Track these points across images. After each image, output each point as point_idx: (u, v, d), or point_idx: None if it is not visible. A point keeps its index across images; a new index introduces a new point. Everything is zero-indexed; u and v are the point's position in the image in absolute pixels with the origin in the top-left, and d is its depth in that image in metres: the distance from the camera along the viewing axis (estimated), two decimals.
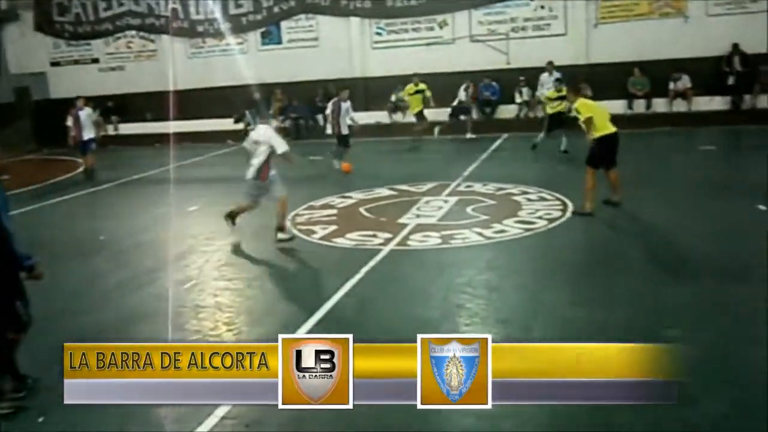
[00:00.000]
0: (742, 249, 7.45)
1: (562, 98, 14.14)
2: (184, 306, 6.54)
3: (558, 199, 10.10)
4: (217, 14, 21.59)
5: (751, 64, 18.19)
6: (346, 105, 13.33)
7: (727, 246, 7.62)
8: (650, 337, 5.28)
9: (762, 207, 8.96)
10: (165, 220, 10.50)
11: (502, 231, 8.62)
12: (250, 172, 8.43)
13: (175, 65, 22.44)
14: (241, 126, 9.68)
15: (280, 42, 22.34)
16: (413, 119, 18.94)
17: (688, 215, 9.09)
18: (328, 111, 12.92)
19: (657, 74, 18.81)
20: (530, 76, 19.31)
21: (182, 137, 19.67)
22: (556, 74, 16.70)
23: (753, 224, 8.45)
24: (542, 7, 20.01)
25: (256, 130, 8.81)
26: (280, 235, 8.50)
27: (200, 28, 22.28)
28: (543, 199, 10.24)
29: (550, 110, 14.95)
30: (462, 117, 18.93)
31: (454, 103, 19.04)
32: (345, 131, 13.22)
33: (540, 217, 9.16)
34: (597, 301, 6.20)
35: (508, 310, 6.15)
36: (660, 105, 19.13)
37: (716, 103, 18.82)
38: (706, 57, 18.58)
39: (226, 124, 21.50)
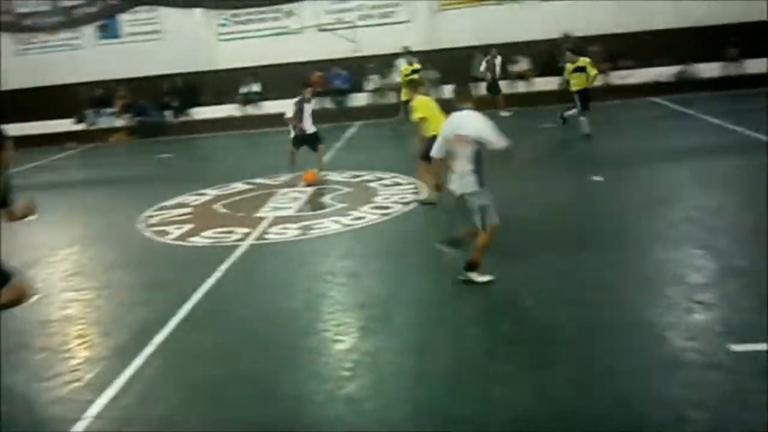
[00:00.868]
0: (584, 218, 7.97)
1: (580, 69, 13.23)
2: (28, 322, 6.07)
3: (412, 183, 10.32)
4: (46, 7, 20.14)
5: (580, 47, 19.41)
6: (310, 105, 11.84)
7: (571, 217, 8.11)
8: (507, 310, 5.65)
9: (596, 178, 9.65)
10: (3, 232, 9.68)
11: (360, 218, 8.71)
12: None
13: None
14: (83, 126, 9.08)
15: (117, 36, 21.27)
16: (264, 112, 18.64)
17: (534, 190, 9.57)
18: (290, 114, 11.52)
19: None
20: (379, 63, 19.63)
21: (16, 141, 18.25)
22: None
23: (590, 194, 9.10)
24: None
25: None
26: None
27: (27, 22, 20.67)
28: (398, 183, 10.43)
29: (575, 87, 13.40)
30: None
31: None
32: (312, 129, 11.72)
33: (395, 202, 9.34)
34: (451, 279, 6.39)
35: (369, 295, 6.21)
36: (503, 87, 20.00)
37: (553, 83, 19.94)
38: (541, 39, 19.62)
39: (65, 125, 20.52)
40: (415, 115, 8.97)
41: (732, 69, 18.94)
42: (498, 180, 9.73)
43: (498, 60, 18.51)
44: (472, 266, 6.04)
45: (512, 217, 8.38)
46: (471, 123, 5.94)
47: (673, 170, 10.09)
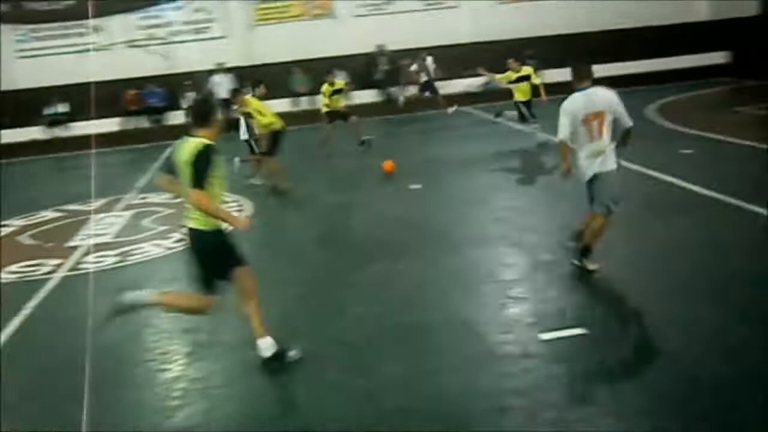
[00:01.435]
0: (404, 225, 8.25)
1: (524, 78, 12.85)
2: None
3: (236, 200, 10.16)
4: None
5: (393, 60, 20.19)
6: None
7: (392, 225, 8.36)
8: (336, 317, 5.70)
9: (413, 186, 10.07)
10: None
11: (183, 240, 8.39)
12: None
13: None
14: None
15: None
16: (72, 133, 17.58)
17: (356, 200, 9.81)
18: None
19: (316, 72, 19.91)
20: (195, 80, 19.19)
21: None
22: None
23: (408, 201, 9.48)
24: (198, 10, 19.92)
25: None
26: None
27: None
28: (222, 202, 10.16)
29: (520, 97, 12.87)
30: None
31: None
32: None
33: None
34: (280, 297, 6.37)
35: (195, 319, 5.93)
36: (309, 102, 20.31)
37: (369, 96, 20.54)
38: (357, 54, 20.14)
39: None
40: (266, 118, 9.94)
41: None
42: (320, 192, 9.92)
43: (429, 60, 18.79)
44: (586, 251, 5.97)
45: (335, 228, 8.58)
46: (608, 98, 5.85)
47: (484, 174, 10.73)
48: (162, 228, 9.04)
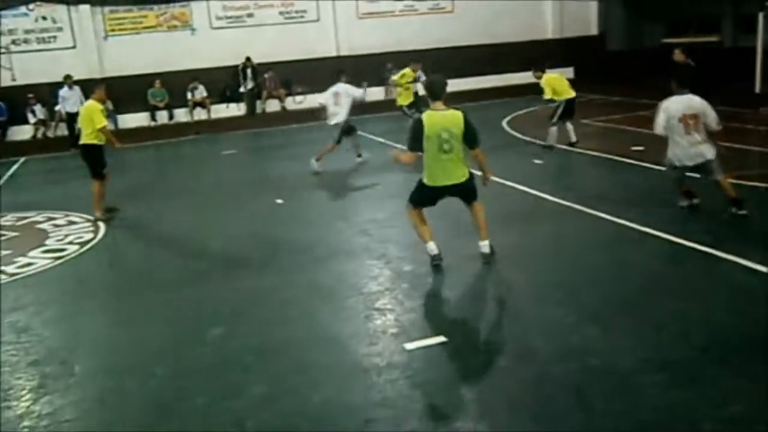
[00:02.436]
0: (269, 240, 8.13)
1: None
2: None
3: (88, 220, 9.63)
4: None
5: (258, 73, 19.99)
6: None
7: (256, 240, 8.23)
8: (196, 336, 5.50)
9: (279, 201, 9.98)
10: None
11: (29, 264, 7.85)
12: None
13: None
14: None
15: None
16: None
17: (220, 217, 9.57)
18: None
19: (175, 85, 19.34)
20: (42, 92, 18.07)
21: None
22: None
23: (273, 216, 9.37)
24: (44, 18, 18.74)
25: None
26: None
27: None
28: (72, 222, 9.63)
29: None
30: None
31: None
32: None
33: (71, 242, 8.61)
34: (139, 319, 6.10)
35: (43, 349, 5.61)
36: (181, 115, 19.71)
37: (232, 109, 20.20)
38: (218, 67, 19.75)
39: None
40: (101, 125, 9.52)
41: (392, 93, 20.92)
42: (188, 209, 9.60)
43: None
44: (737, 202, 7.35)
45: (195, 247, 8.30)
46: (699, 103, 7.43)
47: (346, 188, 10.81)
48: (5, 252, 8.36)
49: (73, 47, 18.99)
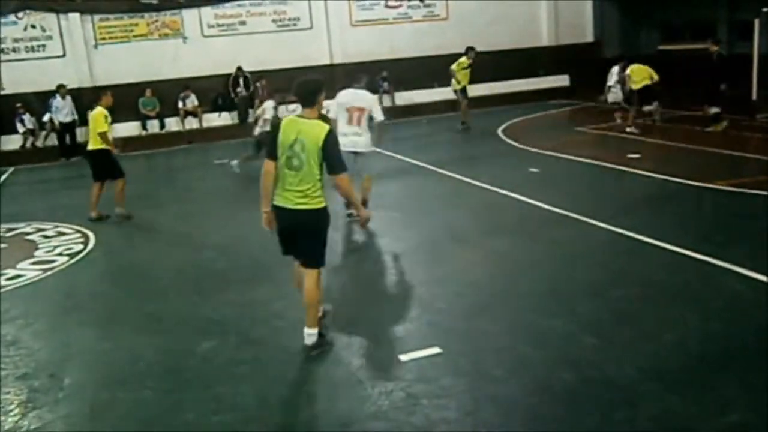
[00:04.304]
0: (259, 252, 8.05)
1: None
2: None
3: (78, 231, 9.52)
4: None
5: (250, 82, 19.91)
6: None
7: (247, 251, 8.15)
8: (187, 349, 5.43)
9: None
10: None
11: (17, 276, 7.75)
12: None
13: None
14: None
15: None
16: None
17: (212, 227, 9.49)
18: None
19: (166, 94, 19.23)
20: (31, 102, 17.95)
21: None
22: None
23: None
24: (33, 26, 18.60)
25: None
26: None
27: None
28: (61, 234, 9.52)
29: (636, 86, 14.44)
30: None
31: None
32: None
33: (60, 254, 8.50)
34: (129, 331, 6.02)
35: (32, 363, 5.52)
36: (173, 124, 19.61)
37: (224, 118, 20.11)
38: (210, 75, 19.66)
39: None
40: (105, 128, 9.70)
41: (387, 100, 20.94)
42: (180, 219, 9.52)
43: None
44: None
45: (186, 256, 8.22)
46: None
47: (338, 198, 10.68)
48: None
49: (63, 56, 18.83)
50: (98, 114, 9.85)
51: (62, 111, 17.24)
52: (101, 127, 9.75)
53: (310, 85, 5.07)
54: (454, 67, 17.03)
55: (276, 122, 5.18)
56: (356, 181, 7.78)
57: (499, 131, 16.09)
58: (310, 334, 5.15)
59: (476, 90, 21.13)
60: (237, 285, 6.91)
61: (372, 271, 6.96)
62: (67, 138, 17.71)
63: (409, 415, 4.18)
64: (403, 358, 4.93)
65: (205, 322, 6.01)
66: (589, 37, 23.95)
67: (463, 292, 6.20)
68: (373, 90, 20.76)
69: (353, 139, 8.40)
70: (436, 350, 5.00)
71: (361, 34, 21.28)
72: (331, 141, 4.93)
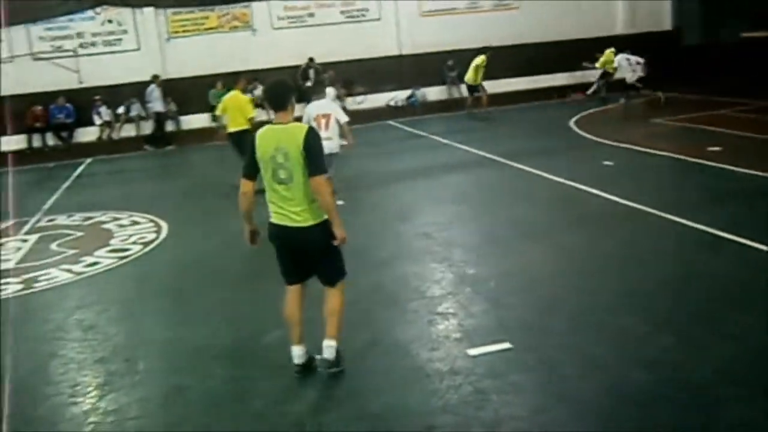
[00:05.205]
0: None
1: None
2: None
3: (151, 220, 9.76)
4: None
5: (320, 74, 20.03)
6: None
7: None
8: (255, 338, 5.47)
9: (339, 202, 9.87)
10: None
11: (94, 263, 8.00)
12: None
13: None
14: None
15: None
16: None
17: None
18: None
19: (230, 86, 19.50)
20: (107, 94, 18.53)
21: None
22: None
23: None
24: (110, 21, 19.22)
25: None
26: None
27: None
28: (136, 223, 9.79)
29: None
30: None
31: None
32: None
33: (134, 243, 8.74)
34: (200, 319, 6.11)
35: (108, 347, 5.69)
36: None
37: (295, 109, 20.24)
38: (279, 67, 19.83)
39: None
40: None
41: (454, 91, 20.78)
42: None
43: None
44: None
45: (261, 246, 8.26)
46: None
47: (409, 189, 10.70)
48: (71, 252, 8.55)
49: (137, 49, 19.41)
50: (242, 99, 10.86)
51: (157, 101, 17.73)
52: (250, 113, 10.65)
53: (280, 88, 4.59)
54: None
55: (252, 136, 4.57)
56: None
57: (571, 123, 15.72)
58: (330, 346, 4.64)
59: (547, 81, 20.78)
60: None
61: (440, 264, 6.86)
62: (158, 128, 18.21)
63: (477, 410, 4.11)
64: (472, 352, 4.86)
65: (275, 311, 6.03)
66: (667, 25, 23.13)
67: (534, 287, 6.06)
68: (442, 81, 20.86)
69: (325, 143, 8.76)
70: (505, 345, 4.90)
71: (429, 25, 21.14)
72: (312, 139, 4.40)
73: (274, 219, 4.55)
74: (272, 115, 4.68)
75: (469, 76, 17.62)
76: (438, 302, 5.87)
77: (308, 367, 4.72)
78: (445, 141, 14.59)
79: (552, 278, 6.26)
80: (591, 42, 21.25)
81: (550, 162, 11.09)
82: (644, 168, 10.88)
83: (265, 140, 4.43)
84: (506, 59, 19.03)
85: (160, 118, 18.07)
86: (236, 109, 10.72)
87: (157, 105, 17.81)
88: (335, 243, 4.60)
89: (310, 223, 4.49)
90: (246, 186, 4.53)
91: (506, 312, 5.60)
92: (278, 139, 4.40)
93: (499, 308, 5.68)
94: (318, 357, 4.70)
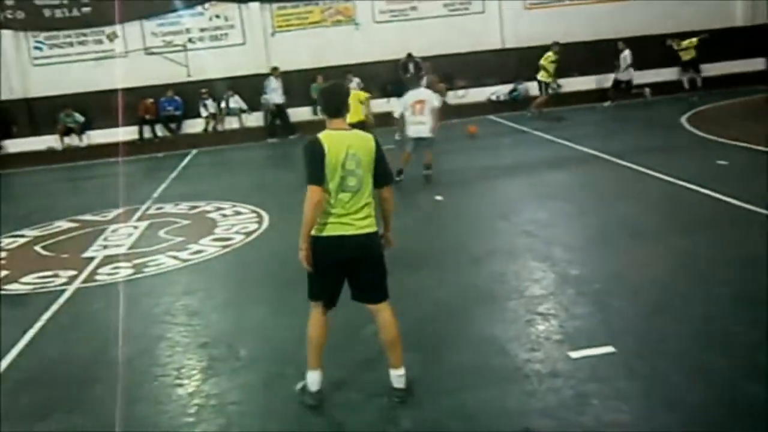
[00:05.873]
0: (427, 237, 8.05)
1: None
2: None
3: (253, 211, 10.01)
4: None
5: (422, 67, 19.95)
6: None
7: (414, 237, 8.14)
8: (353, 331, 5.48)
9: (438, 197, 9.88)
10: None
11: (199, 251, 8.28)
12: None
13: None
14: None
15: None
16: (87, 143, 17.90)
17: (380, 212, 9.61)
18: None
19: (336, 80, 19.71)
20: (213, 87, 19.15)
21: None
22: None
23: (431, 213, 9.35)
24: (218, 16, 19.87)
25: None
26: None
27: None
28: (238, 213, 10.07)
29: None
30: None
31: None
32: None
33: (237, 232, 8.99)
34: (300, 309, 6.19)
35: (211, 333, 5.87)
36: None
37: (393, 104, 20.26)
38: (380, 61, 19.92)
39: None
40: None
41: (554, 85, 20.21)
42: None
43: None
44: None
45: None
46: None
47: (509, 185, 10.53)
48: (178, 239, 8.91)
49: (243, 44, 19.96)
50: (362, 94, 11.54)
51: (276, 92, 18.21)
52: (362, 96, 11.39)
53: (338, 93, 4.34)
54: (543, 62, 17.48)
55: (313, 138, 4.19)
56: None
57: (683, 120, 15.00)
58: (401, 376, 4.39)
59: (658, 75, 19.84)
60: (400, 270, 6.86)
61: (541, 263, 6.69)
62: (278, 119, 18.73)
63: (578, 415, 3.98)
64: (574, 355, 4.70)
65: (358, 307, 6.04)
66: None
67: (641, 291, 5.80)
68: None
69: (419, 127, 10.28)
70: (609, 349, 4.71)
71: (534, 17, 20.61)
72: (380, 147, 4.30)
73: (330, 230, 4.21)
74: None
75: (541, 73, 17.36)
76: (538, 302, 5.71)
77: (317, 398, 4.44)
78: (548, 137, 14.25)
79: (660, 282, 5.97)
80: (708, 34, 20.05)
81: (658, 160, 10.62)
82: (762, 168, 10.22)
83: (335, 145, 4.12)
84: (615, 53, 18.33)
85: (281, 109, 18.52)
86: (355, 98, 10.75)
87: (275, 97, 18.26)
88: (389, 240, 4.54)
89: (374, 229, 4.31)
90: (319, 194, 4.09)
91: (611, 315, 5.39)
92: (349, 145, 4.15)
93: (603, 311, 5.47)
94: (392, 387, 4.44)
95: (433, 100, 10.31)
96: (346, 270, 4.33)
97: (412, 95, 10.35)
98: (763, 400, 3.96)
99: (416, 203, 9.92)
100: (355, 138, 4.23)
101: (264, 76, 18.76)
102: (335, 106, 4.26)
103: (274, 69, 18.25)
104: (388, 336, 4.39)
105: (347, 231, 4.20)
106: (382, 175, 4.30)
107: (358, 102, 10.98)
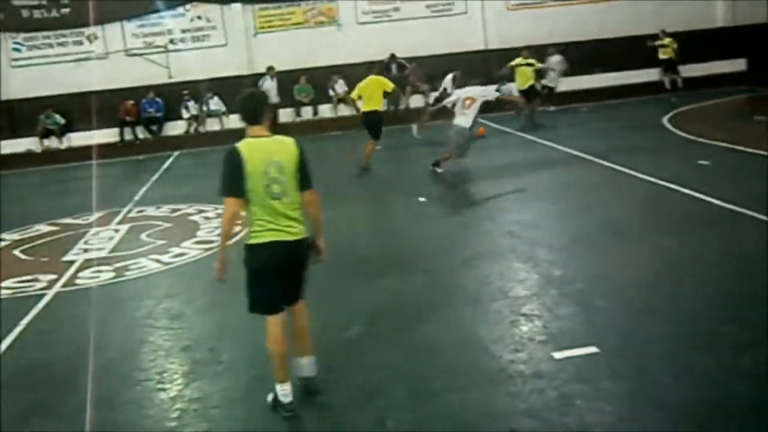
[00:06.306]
0: (410, 239, 8.04)
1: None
2: None
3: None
4: None
5: (404, 69, 19.96)
6: None
7: (397, 239, 8.17)
8: (334, 336, 5.47)
9: (421, 199, 9.87)
10: None
11: (181, 254, 8.22)
12: None
13: None
14: None
15: None
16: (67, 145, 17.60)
17: (364, 214, 9.60)
18: None
19: (320, 81, 19.71)
20: (194, 89, 19.03)
21: None
22: None
23: (415, 215, 9.31)
24: (199, 17, 19.77)
25: None
26: None
27: None
28: (221, 216, 9.94)
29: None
30: None
31: None
32: None
33: (219, 235, 8.89)
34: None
35: (194, 336, 5.83)
36: (325, 111, 20.05)
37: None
38: (362, 62, 19.79)
39: None
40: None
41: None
42: (332, 206, 9.67)
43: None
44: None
45: (337, 243, 8.31)
46: None
47: (492, 187, 10.53)
48: (160, 242, 8.83)
49: (225, 45, 19.86)
50: (382, 80, 12.09)
51: (271, 92, 18.07)
52: (389, 87, 12.07)
53: (255, 101, 4.30)
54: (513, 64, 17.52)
55: (232, 149, 4.18)
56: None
57: (665, 120, 15.11)
58: (314, 363, 4.53)
59: (641, 76, 19.95)
60: (389, 272, 6.89)
61: (524, 263, 6.70)
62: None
63: (561, 416, 3.97)
64: (557, 355, 4.70)
65: (356, 308, 6.04)
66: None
67: (624, 291, 5.82)
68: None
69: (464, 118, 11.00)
70: (593, 350, 4.72)
71: (518, 18, 20.67)
72: (303, 151, 4.28)
73: (266, 237, 4.20)
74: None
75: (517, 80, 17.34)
76: (522, 303, 5.72)
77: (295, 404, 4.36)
78: (531, 138, 14.30)
79: (643, 282, 6.00)
80: (691, 35, 20.11)
81: (640, 160, 10.69)
82: (743, 168, 10.29)
83: (254, 153, 4.10)
84: (599, 53, 18.45)
85: (275, 109, 18.39)
86: (378, 89, 11.87)
87: (270, 96, 18.10)
88: (321, 257, 4.49)
89: (304, 235, 4.32)
90: (236, 205, 4.16)
91: (594, 315, 5.40)
92: (270, 152, 4.14)
93: (587, 311, 5.49)
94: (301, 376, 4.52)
95: (486, 93, 11.46)
96: (287, 272, 4.33)
97: (464, 92, 11.35)
98: (749, 400, 3.98)
99: (399, 205, 9.92)
100: (276, 144, 4.21)
101: (246, 78, 18.67)
102: (253, 113, 4.22)
103: (270, 68, 18.14)
104: (298, 325, 4.48)
105: (279, 237, 4.19)
106: (304, 178, 4.26)
107: (382, 91, 11.96)
